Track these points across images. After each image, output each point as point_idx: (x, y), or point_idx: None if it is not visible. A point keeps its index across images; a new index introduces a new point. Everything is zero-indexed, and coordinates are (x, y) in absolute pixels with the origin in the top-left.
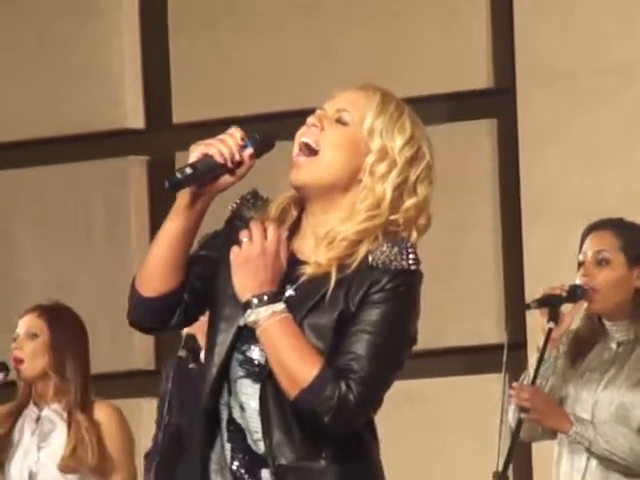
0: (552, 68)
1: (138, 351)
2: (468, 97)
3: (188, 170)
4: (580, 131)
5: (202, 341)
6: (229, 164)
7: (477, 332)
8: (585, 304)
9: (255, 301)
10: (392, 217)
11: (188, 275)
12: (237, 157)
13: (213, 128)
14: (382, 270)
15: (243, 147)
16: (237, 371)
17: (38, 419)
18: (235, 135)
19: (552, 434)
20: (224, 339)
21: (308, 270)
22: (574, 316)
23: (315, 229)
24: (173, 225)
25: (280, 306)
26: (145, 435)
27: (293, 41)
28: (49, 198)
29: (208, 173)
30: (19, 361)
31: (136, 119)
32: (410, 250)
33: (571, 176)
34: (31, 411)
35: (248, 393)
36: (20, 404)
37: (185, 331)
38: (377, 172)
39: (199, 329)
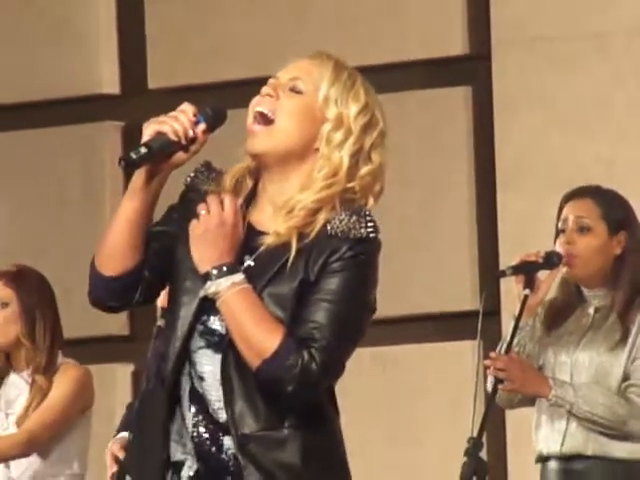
0: (528, 35)
1: (112, 316)
2: (443, 64)
3: (143, 149)
4: (555, 99)
5: None
6: (183, 141)
7: (451, 299)
8: (563, 270)
9: (215, 272)
10: (349, 185)
11: (147, 252)
12: (190, 134)
13: (188, 94)
14: (341, 239)
15: (196, 123)
16: (197, 342)
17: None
18: (187, 111)
19: (530, 401)
20: (187, 312)
21: (268, 240)
22: (550, 283)
23: (272, 198)
24: (130, 205)
25: (239, 277)
26: (119, 400)
27: (269, 6)
28: (24, 163)
29: (162, 151)
30: None
31: (111, 84)
32: (369, 218)
33: (546, 143)
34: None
35: (208, 363)
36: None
37: (159, 304)
38: (334, 140)
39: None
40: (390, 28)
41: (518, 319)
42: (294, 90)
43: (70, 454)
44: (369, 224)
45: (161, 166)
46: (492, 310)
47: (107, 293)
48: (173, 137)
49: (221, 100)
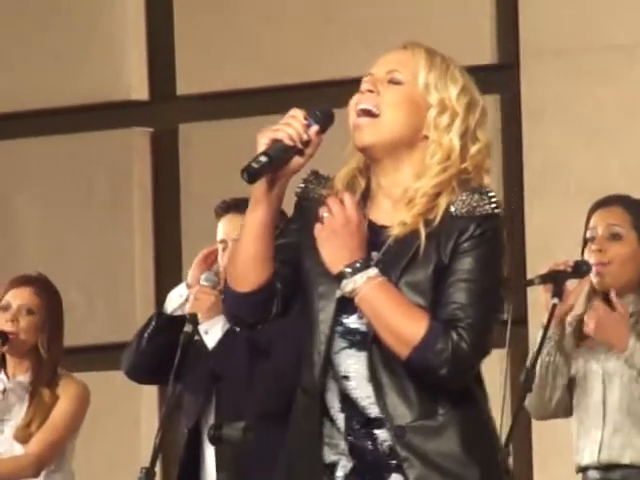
0: (556, 45)
1: (139, 322)
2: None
3: (263, 158)
4: (582, 108)
5: (201, 319)
6: (298, 145)
7: None
8: (592, 281)
9: (348, 270)
10: (462, 166)
11: (276, 264)
12: (305, 137)
13: (217, 100)
14: (467, 218)
15: (308, 126)
16: (339, 343)
17: (4, 391)
18: (298, 116)
19: (565, 412)
20: (325, 316)
21: (394, 231)
22: (579, 292)
23: (388, 192)
24: (255, 216)
25: (374, 271)
26: (145, 406)
27: (297, 13)
28: (52, 169)
29: (281, 157)
30: (13, 334)
31: (140, 90)
32: (491, 194)
33: (573, 153)
34: None
35: (353, 362)
36: None
37: (187, 310)
38: (441, 124)
39: (198, 308)
40: (418, 36)
41: (546, 328)
42: (393, 81)
43: (57, 467)
44: (492, 200)
45: (280, 173)
46: (520, 319)
47: (244, 310)
48: (289, 142)
49: (249, 105)
